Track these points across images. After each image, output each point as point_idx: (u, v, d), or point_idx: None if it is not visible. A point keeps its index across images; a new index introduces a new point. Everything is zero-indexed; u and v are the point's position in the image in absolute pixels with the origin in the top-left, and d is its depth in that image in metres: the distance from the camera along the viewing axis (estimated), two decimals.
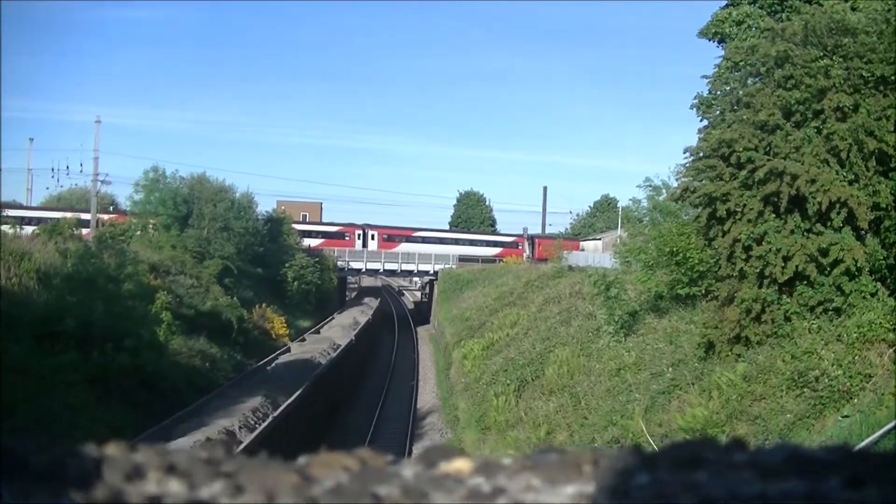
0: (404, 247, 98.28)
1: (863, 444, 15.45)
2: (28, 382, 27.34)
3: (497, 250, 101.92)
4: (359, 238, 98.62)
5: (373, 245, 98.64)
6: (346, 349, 51.95)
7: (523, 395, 35.97)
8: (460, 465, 1.42)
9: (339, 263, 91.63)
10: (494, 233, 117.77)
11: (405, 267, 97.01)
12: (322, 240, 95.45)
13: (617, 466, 1.37)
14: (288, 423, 32.32)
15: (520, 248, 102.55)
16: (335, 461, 1.40)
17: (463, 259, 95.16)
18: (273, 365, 45.95)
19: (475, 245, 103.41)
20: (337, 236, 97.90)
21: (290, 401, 33.72)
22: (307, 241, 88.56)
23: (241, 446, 25.41)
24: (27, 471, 1.29)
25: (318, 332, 62.79)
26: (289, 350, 52.64)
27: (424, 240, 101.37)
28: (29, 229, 51.12)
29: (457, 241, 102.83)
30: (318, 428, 37.67)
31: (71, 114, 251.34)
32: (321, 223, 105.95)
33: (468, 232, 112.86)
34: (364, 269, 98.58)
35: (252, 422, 30.75)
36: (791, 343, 22.29)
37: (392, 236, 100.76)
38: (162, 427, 29.07)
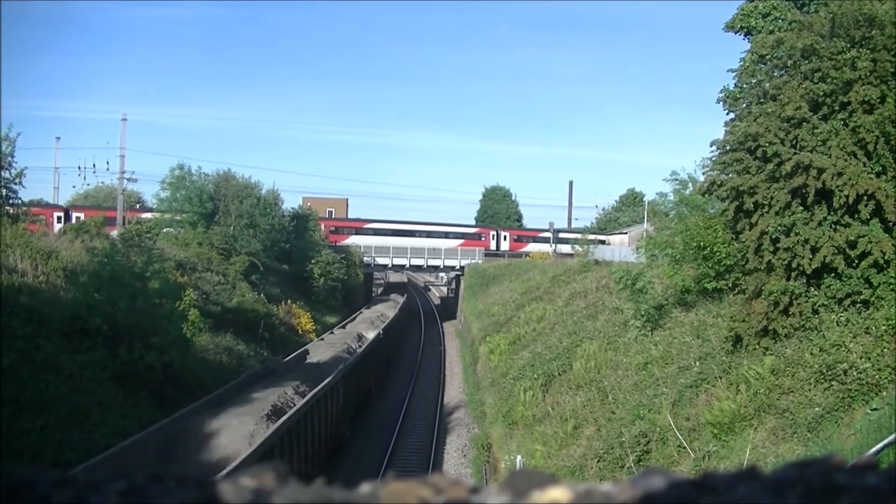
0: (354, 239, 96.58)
1: (869, 452, 15.35)
2: (58, 379, 27.53)
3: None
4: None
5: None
6: (372, 343, 51.93)
7: (550, 389, 35.90)
8: (556, 494, 1.25)
9: (365, 259, 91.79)
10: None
11: (431, 262, 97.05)
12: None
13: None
14: (311, 419, 32.38)
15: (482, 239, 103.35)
16: (408, 491, 1.25)
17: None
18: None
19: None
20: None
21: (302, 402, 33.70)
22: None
23: (270, 430, 25.44)
24: None
25: (344, 326, 62.74)
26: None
27: (374, 233, 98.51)
28: (56, 227, 51.47)
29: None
30: (343, 423, 37.67)
31: (97, 112, 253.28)
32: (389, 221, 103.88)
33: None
34: (390, 265, 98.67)
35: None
36: (819, 336, 22.14)
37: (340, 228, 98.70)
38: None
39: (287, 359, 43.10)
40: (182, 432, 25.87)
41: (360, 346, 47.96)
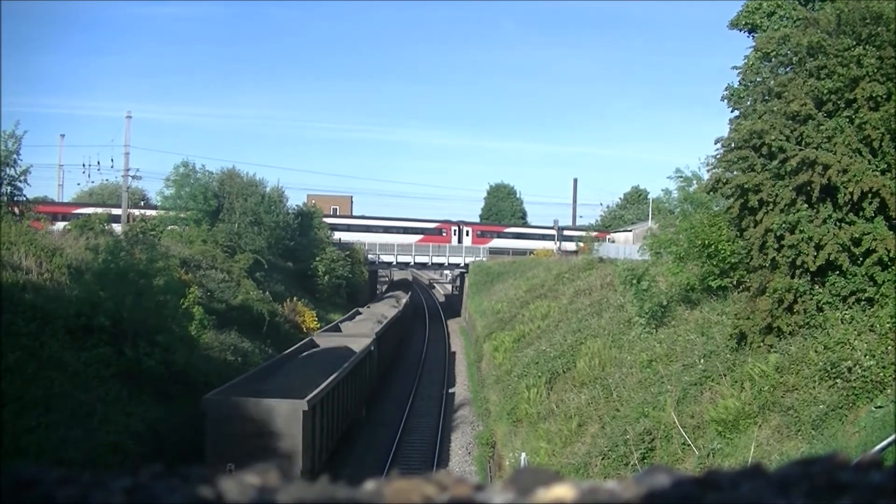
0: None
1: (873, 450, 15.33)
2: (62, 377, 27.53)
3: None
4: (454, 234, 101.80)
5: (467, 241, 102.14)
6: (380, 334, 51.93)
7: (554, 387, 35.84)
8: (560, 492, 1.24)
9: (369, 257, 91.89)
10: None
11: (436, 260, 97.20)
12: (420, 236, 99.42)
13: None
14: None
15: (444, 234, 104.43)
16: (412, 489, 1.24)
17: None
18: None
19: None
20: (434, 232, 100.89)
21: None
22: (377, 239, 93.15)
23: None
24: None
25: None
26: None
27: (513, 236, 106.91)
28: (61, 225, 51.47)
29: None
30: (347, 425, 37.63)
31: (102, 110, 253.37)
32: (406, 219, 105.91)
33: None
34: (395, 263, 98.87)
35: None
36: (823, 333, 22.11)
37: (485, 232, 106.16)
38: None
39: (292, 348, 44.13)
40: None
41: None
